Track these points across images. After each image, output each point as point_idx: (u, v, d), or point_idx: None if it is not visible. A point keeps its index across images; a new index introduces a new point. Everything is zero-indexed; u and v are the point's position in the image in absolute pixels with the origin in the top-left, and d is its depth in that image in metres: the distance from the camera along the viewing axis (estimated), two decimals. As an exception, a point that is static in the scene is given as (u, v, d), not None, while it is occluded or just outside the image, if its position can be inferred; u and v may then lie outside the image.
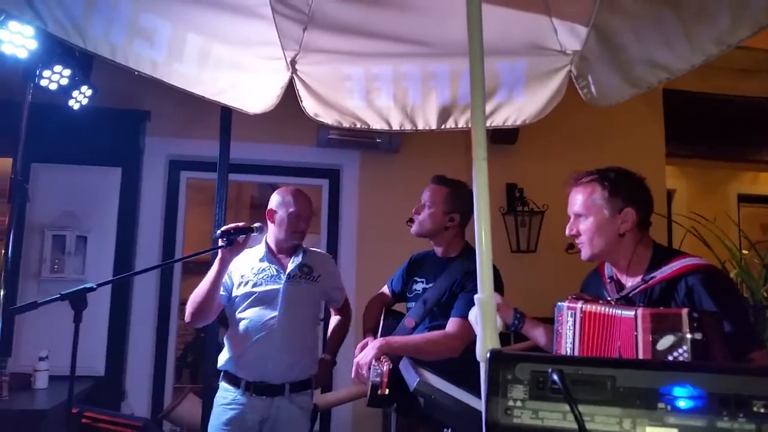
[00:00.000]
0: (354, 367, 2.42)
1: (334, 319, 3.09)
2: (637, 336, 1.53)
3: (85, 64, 3.51)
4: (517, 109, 2.44)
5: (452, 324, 2.41)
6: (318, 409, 3.51)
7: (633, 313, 1.56)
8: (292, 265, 2.76)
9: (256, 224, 2.70)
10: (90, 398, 3.53)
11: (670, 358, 1.45)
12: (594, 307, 1.72)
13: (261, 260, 2.75)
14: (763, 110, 5.34)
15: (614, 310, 1.65)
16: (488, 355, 1.13)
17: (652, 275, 1.76)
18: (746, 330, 1.65)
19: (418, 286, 2.69)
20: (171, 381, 4.28)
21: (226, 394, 2.67)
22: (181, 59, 2.17)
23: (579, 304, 1.77)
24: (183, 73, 2.20)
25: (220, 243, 2.57)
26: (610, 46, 2.14)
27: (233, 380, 2.67)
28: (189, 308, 2.60)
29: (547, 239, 4.56)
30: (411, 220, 2.68)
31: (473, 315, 1.38)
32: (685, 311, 1.46)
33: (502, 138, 4.47)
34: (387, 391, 2.34)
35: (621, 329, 1.60)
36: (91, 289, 2.16)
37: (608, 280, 1.92)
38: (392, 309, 2.85)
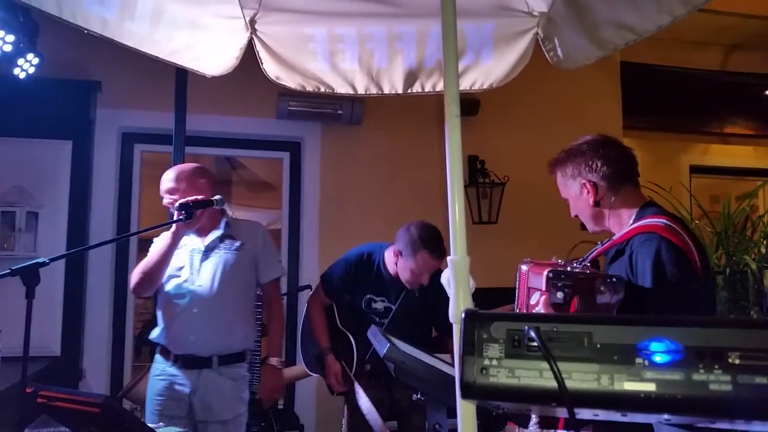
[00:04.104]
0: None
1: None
2: (524, 291, 1.67)
3: (31, 31, 3.34)
4: (484, 72, 2.41)
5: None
6: (282, 383, 3.50)
7: (526, 269, 1.68)
8: (210, 237, 2.72)
9: (217, 197, 2.64)
10: (46, 378, 3.43)
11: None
12: (523, 266, 1.80)
13: (187, 235, 2.71)
14: (713, 83, 5.46)
15: (525, 267, 1.75)
16: (463, 315, 1.11)
17: (611, 238, 1.82)
18: (652, 298, 1.61)
19: (379, 305, 2.78)
20: (130, 359, 4.20)
21: (159, 365, 2.72)
22: (133, 17, 2.05)
23: (521, 264, 1.85)
24: (135, 32, 2.08)
25: (177, 216, 2.53)
26: (576, 7, 2.12)
27: (164, 352, 2.71)
28: (136, 278, 2.62)
29: (508, 210, 4.59)
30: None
31: (445, 277, 1.37)
32: (545, 271, 1.53)
33: (464, 110, 4.39)
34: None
35: (523, 284, 1.71)
36: (43, 264, 2.07)
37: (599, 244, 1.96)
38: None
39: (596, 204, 1.84)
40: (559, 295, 1.47)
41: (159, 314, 2.75)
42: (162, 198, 2.73)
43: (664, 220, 1.71)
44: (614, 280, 1.52)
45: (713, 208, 5.12)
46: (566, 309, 1.47)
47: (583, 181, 1.85)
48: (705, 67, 5.39)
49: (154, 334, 2.74)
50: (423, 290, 2.68)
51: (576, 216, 1.95)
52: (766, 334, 0.92)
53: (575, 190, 1.87)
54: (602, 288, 1.50)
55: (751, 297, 3.96)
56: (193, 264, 2.68)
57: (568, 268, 1.56)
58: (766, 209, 5.16)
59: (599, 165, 1.84)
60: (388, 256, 2.77)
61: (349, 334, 2.87)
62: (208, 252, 2.70)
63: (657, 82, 5.31)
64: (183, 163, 3.39)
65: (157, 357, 2.75)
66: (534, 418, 1.52)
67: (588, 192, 1.84)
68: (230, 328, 2.68)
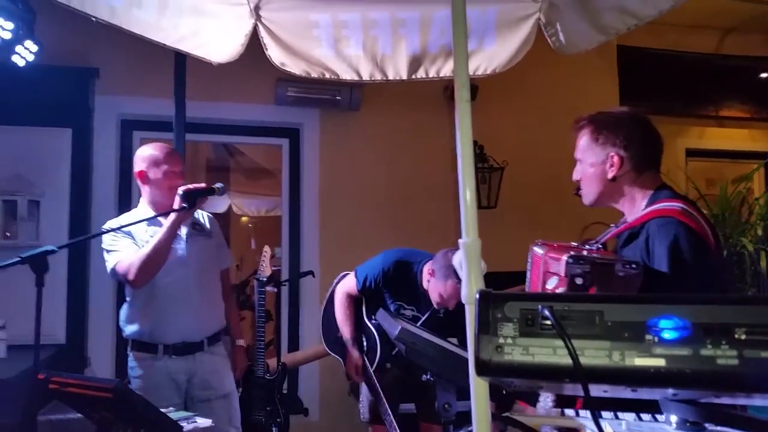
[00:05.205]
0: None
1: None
2: (539, 274, 1.62)
3: (29, 18, 3.32)
4: (488, 57, 2.42)
5: None
6: (286, 368, 3.54)
7: (542, 252, 1.63)
8: (185, 226, 2.73)
9: (218, 184, 2.66)
10: (52, 366, 3.41)
11: None
12: (537, 249, 1.74)
13: (150, 225, 2.67)
14: (708, 66, 5.47)
15: (539, 250, 1.69)
16: (477, 295, 1.14)
17: (625, 220, 1.78)
18: (670, 283, 1.60)
19: (408, 312, 2.82)
20: (134, 346, 4.21)
21: (142, 363, 2.67)
22: (140, 5, 2.07)
23: (534, 247, 1.78)
24: (142, 19, 2.09)
25: (179, 204, 2.52)
26: (578, -8, 2.14)
27: (147, 347, 2.66)
28: (137, 269, 2.53)
29: (507, 195, 4.61)
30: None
31: (457, 259, 1.40)
32: (565, 256, 1.49)
33: (462, 94, 4.45)
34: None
35: (539, 268, 1.66)
36: (52, 252, 2.08)
37: (612, 226, 1.91)
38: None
39: (613, 179, 1.78)
40: (579, 281, 1.44)
41: (140, 308, 2.67)
42: (171, 180, 2.66)
43: (681, 204, 1.69)
44: (633, 266, 1.50)
45: (709, 191, 5.16)
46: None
47: (612, 153, 1.77)
48: (700, 50, 5.41)
49: (131, 330, 2.68)
50: (447, 312, 2.72)
51: (578, 180, 1.88)
52: (771, 310, 0.94)
53: (598, 157, 1.79)
54: (620, 273, 1.48)
55: (748, 278, 4.02)
56: (177, 252, 2.68)
57: (585, 252, 1.54)
58: (761, 192, 5.21)
59: (636, 143, 1.77)
60: (425, 271, 2.79)
61: (374, 332, 2.93)
62: (188, 240, 2.73)
63: (653, 65, 5.32)
64: (183, 149, 3.41)
65: (136, 355, 2.68)
66: (551, 397, 1.53)
67: (611, 165, 1.77)
68: (216, 311, 2.82)
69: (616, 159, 1.77)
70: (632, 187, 1.80)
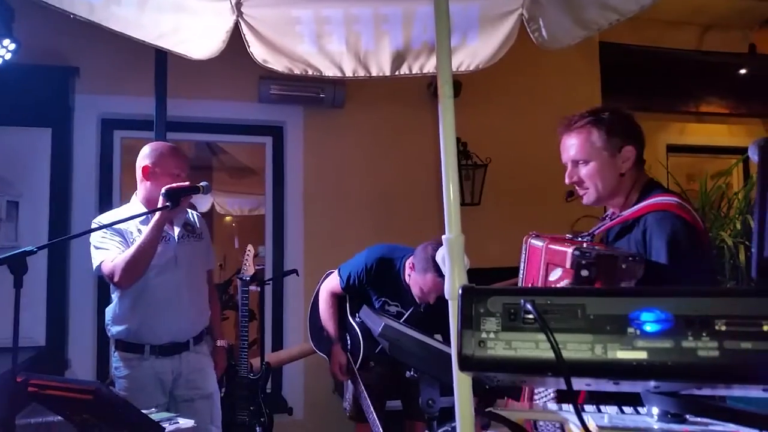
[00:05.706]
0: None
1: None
2: (540, 266, 1.63)
3: (7, 16, 3.27)
4: (471, 53, 2.43)
5: None
6: (270, 367, 3.53)
7: (542, 244, 1.64)
8: (177, 227, 2.72)
9: (203, 183, 2.63)
10: (32, 369, 3.40)
11: None
12: (535, 241, 1.77)
13: (143, 223, 2.63)
14: (689, 62, 5.52)
15: (538, 242, 1.71)
16: (460, 291, 1.14)
17: (620, 214, 1.80)
18: (669, 275, 1.61)
19: (392, 309, 2.84)
20: (116, 348, 4.17)
21: (128, 363, 2.65)
22: (119, 1, 2.04)
23: (529, 238, 1.82)
24: (122, 16, 2.06)
25: (163, 203, 2.48)
26: (560, -13, 2.14)
27: (133, 348, 2.64)
28: (121, 269, 2.49)
29: (490, 192, 4.63)
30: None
31: (440, 255, 1.40)
32: (571, 248, 1.50)
33: (445, 91, 4.45)
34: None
35: (538, 260, 1.68)
36: (31, 252, 2.04)
37: (600, 220, 1.93)
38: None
39: (622, 174, 1.79)
40: (585, 272, 1.45)
41: (129, 308, 2.64)
42: (176, 180, 2.61)
43: (676, 198, 1.72)
44: (636, 258, 1.52)
45: (690, 186, 5.21)
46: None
47: (627, 147, 1.78)
48: (681, 46, 5.46)
49: (118, 330, 2.65)
50: (428, 307, 2.73)
51: (575, 182, 1.86)
52: (750, 302, 0.95)
53: (610, 153, 1.78)
54: (623, 266, 1.49)
55: (727, 272, 4.06)
56: (169, 254, 2.67)
57: (585, 245, 1.56)
58: (740, 186, 5.27)
59: (640, 138, 1.81)
60: (407, 266, 2.79)
61: (358, 330, 2.94)
62: (180, 240, 2.72)
63: (634, 61, 5.36)
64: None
65: (122, 355, 2.66)
66: (551, 392, 1.53)
67: (625, 160, 1.78)
68: (203, 312, 2.83)
69: (630, 152, 1.78)
70: (633, 182, 1.82)
